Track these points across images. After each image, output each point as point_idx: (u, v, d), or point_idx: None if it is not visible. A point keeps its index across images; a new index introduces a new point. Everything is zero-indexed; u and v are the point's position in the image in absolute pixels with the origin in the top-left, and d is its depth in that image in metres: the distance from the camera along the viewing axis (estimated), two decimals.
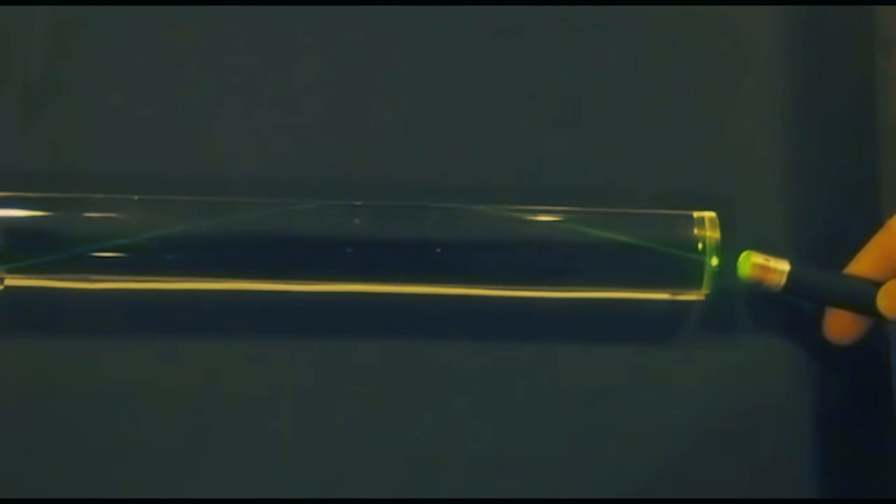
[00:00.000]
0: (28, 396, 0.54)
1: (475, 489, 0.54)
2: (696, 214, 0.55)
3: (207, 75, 0.58)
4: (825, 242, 0.57)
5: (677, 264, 0.54)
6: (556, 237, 0.55)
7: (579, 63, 0.58)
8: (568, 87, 0.58)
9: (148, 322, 0.55)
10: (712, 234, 0.54)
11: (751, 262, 0.54)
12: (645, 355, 0.56)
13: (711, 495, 0.55)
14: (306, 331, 0.55)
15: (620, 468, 0.55)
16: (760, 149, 0.58)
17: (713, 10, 0.59)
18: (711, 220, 0.55)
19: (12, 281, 0.54)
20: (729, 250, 0.54)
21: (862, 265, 0.54)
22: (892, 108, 0.59)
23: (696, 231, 0.55)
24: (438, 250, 0.54)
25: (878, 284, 0.54)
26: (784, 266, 0.54)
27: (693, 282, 0.55)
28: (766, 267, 0.54)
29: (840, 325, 0.55)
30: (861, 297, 0.54)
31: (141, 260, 0.54)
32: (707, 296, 0.55)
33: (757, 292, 0.55)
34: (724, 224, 0.55)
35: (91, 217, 0.54)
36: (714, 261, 0.54)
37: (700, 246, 0.54)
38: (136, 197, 0.54)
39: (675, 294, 0.56)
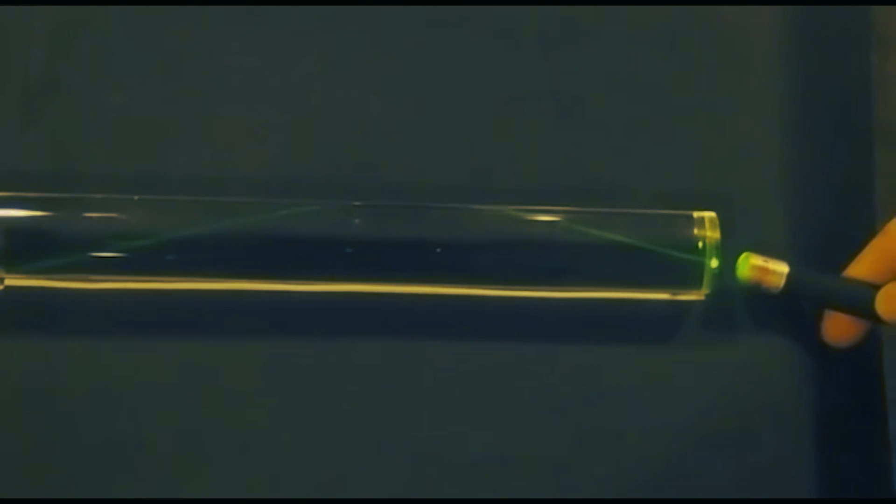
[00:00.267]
0: (28, 396, 0.54)
1: (475, 489, 0.54)
2: (696, 214, 0.55)
3: (207, 75, 0.58)
4: (825, 242, 0.57)
5: (677, 264, 0.54)
6: (556, 237, 0.55)
7: (579, 63, 0.58)
8: (568, 87, 0.58)
9: (148, 322, 0.55)
10: (712, 234, 0.54)
11: (750, 264, 0.54)
12: (645, 355, 0.56)
13: (711, 495, 0.55)
14: (306, 331, 0.55)
15: (620, 468, 0.55)
16: (760, 149, 0.58)
17: (713, 10, 0.59)
18: (711, 220, 0.55)
19: (12, 281, 0.54)
20: (728, 250, 0.54)
21: (861, 268, 0.54)
22: (892, 108, 0.59)
23: (696, 231, 0.55)
24: (438, 250, 0.54)
25: (876, 287, 0.54)
26: (783, 268, 0.54)
27: (693, 282, 0.55)
28: (765, 269, 0.54)
29: (839, 328, 0.55)
30: (860, 300, 0.54)
31: (141, 260, 0.54)
32: (707, 296, 0.55)
33: (756, 293, 0.55)
34: (724, 224, 0.55)
35: (91, 217, 0.54)
36: (714, 261, 0.54)
37: (700, 246, 0.54)
38: (136, 197, 0.54)
39: (675, 294, 0.56)
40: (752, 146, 0.58)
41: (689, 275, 0.54)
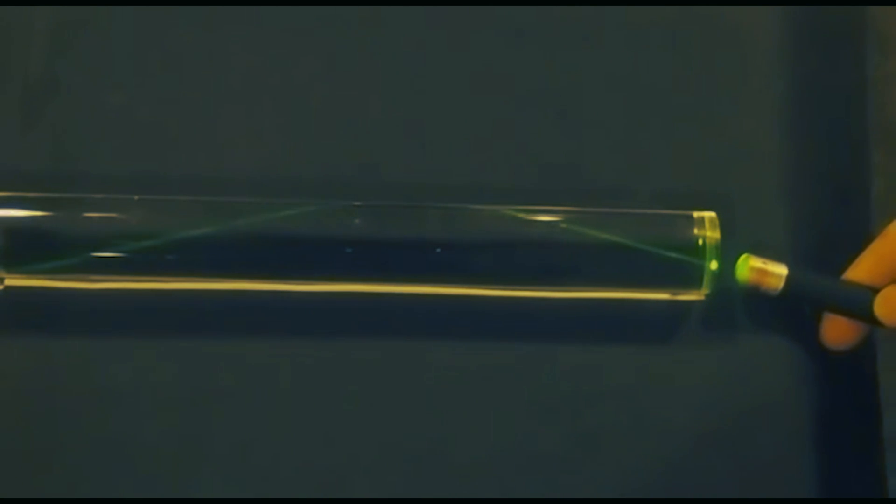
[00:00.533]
0: (28, 396, 0.54)
1: (475, 489, 0.54)
2: (696, 214, 0.55)
3: (207, 75, 0.58)
4: (825, 242, 0.57)
5: (677, 264, 0.54)
6: (556, 237, 0.55)
7: (580, 63, 0.58)
8: (568, 87, 0.58)
9: (148, 322, 0.55)
10: (712, 234, 0.54)
11: (749, 266, 0.54)
12: (645, 355, 0.56)
13: (711, 495, 0.55)
14: (306, 331, 0.55)
15: (620, 468, 0.55)
16: (760, 149, 0.58)
17: (713, 10, 0.59)
18: (711, 220, 0.55)
19: (12, 281, 0.54)
20: (728, 251, 0.54)
21: (860, 270, 0.54)
22: (891, 109, 0.59)
23: (696, 231, 0.55)
24: (438, 250, 0.54)
25: (875, 290, 0.54)
26: (782, 270, 0.54)
27: (693, 282, 0.55)
28: (764, 270, 0.54)
29: (837, 331, 0.55)
30: (858, 303, 0.54)
31: (141, 260, 0.54)
32: (707, 296, 0.55)
33: (756, 295, 0.55)
34: (724, 224, 0.55)
35: (91, 217, 0.54)
36: (714, 261, 0.54)
37: (700, 246, 0.54)
38: (136, 197, 0.54)
39: (674, 294, 0.56)
40: (752, 146, 0.58)
41: (688, 275, 0.54)
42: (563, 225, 0.55)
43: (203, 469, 0.54)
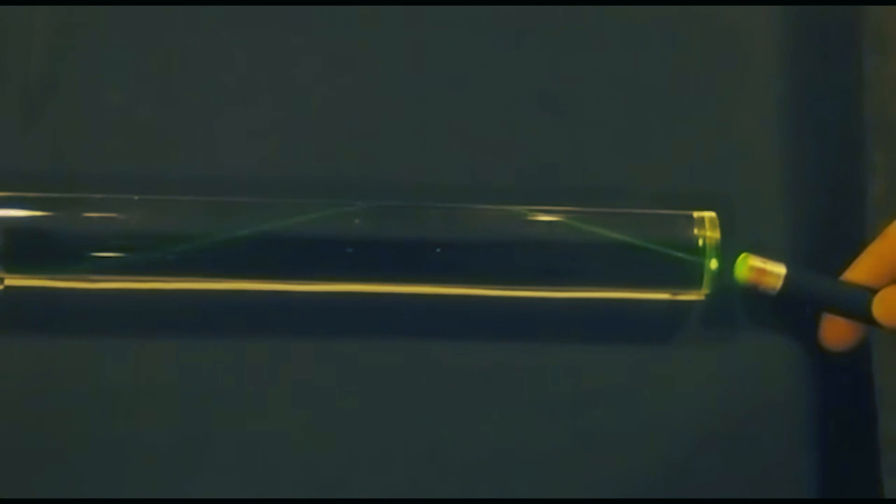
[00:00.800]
0: (28, 396, 0.54)
1: (475, 489, 0.54)
2: (696, 214, 0.55)
3: (207, 75, 0.58)
4: (825, 243, 0.57)
5: (677, 264, 0.54)
6: (556, 237, 0.55)
7: (579, 63, 0.58)
8: (568, 87, 0.58)
9: (148, 322, 0.55)
10: (712, 234, 0.54)
11: (748, 265, 0.54)
12: (645, 355, 0.56)
13: (711, 495, 0.55)
14: (306, 331, 0.55)
15: (620, 468, 0.55)
16: (760, 149, 0.58)
17: (713, 10, 0.59)
18: (711, 220, 0.55)
19: (12, 281, 0.54)
20: (728, 251, 0.54)
21: (859, 271, 0.54)
22: (891, 109, 0.59)
23: (696, 231, 0.55)
24: (438, 250, 0.54)
25: (874, 291, 0.54)
26: (781, 270, 0.54)
27: (693, 282, 0.55)
28: (763, 270, 0.54)
29: (836, 332, 0.55)
30: (856, 304, 0.54)
31: (141, 260, 0.54)
32: (707, 296, 0.55)
33: (754, 294, 0.55)
34: (724, 224, 0.55)
35: (91, 217, 0.54)
36: (714, 261, 0.54)
37: (700, 246, 0.54)
38: (136, 197, 0.54)
39: (675, 294, 0.56)
40: (752, 146, 0.58)
41: (689, 275, 0.54)
42: (563, 225, 0.55)
43: (203, 469, 0.54)
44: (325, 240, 0.54)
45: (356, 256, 0.54)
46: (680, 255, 0.54)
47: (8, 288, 0.55)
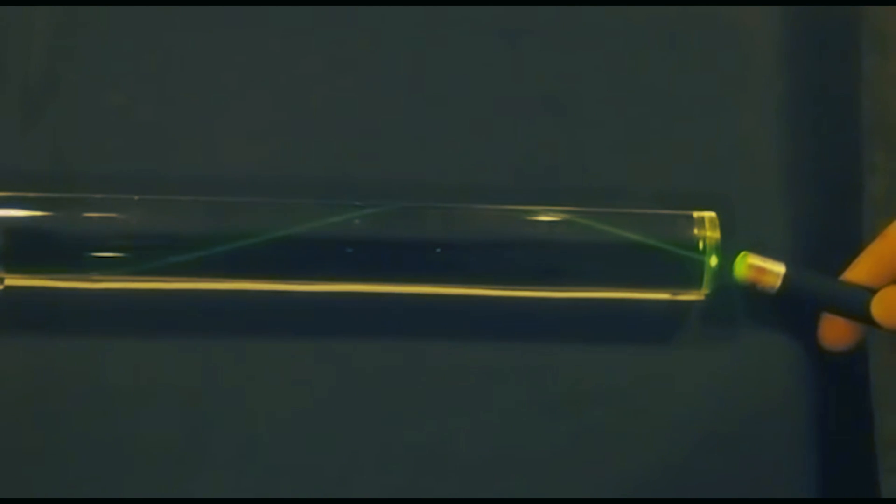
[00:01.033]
0: (28, 396, 0.54)
1: (475, 489, 0.54)
2: (696, 214, 0.55)
3: (207, 75, 0.58)
4: (824, 242, 0.57)
5: (677, 264, 0.54)
6: (556, 237, 0.55)
7: (579, 63, 0.58)
8: (568, 86, 0.58)
9: (148, 322, 0.55)
10: (712, 233, 0.54)
11: (747, 264, 0.54)
12: (645, 355, 0.56)
13: (711, 495, 0.55)
14: (306, 331, 0.55)
15: (620, 468, 0.55)
16: (760, 149, 0.58)
17: (713, 10, 0.59)
18: (711, 220, 0.55)
19: (12, 281, 0.54)
20: (728, 250, 0.54)
21: (858, 271, 0.54)
22: (890, 109, 0.59)
23: (696, 231, 0.55)
24: (438, 250, 0.54)
25: (873, 291, 0.54)
26: (780, 269, 0.54)
27: (693, 282, 0.55)
28: (762, 269, 0.54)
29: (835, 332, 0.55)
30: (855, 304, 0.54)
31: (141, 260, 0.54)
32: (707, 296, 0.55)
33: (754, 293, 0.55)
34: (724, 224, 0.55)
35: (91, 217, 0.54)
36: (714, 261, 0.54)
37: (700, 246, 0.54)
38: (136, 197, 0.54)
39: (675, 294, 0.56)
40: (752, 146, 0.58)
41: (689, 275, 0.54)
42: (563, 225, 0.55)
43: (203, 469, 0.54)
44: (325, 240, 0.54)
45: (356, 256, 0.54)
46: (680, 254, 0.54)
47: (8, 288, 0.55)
